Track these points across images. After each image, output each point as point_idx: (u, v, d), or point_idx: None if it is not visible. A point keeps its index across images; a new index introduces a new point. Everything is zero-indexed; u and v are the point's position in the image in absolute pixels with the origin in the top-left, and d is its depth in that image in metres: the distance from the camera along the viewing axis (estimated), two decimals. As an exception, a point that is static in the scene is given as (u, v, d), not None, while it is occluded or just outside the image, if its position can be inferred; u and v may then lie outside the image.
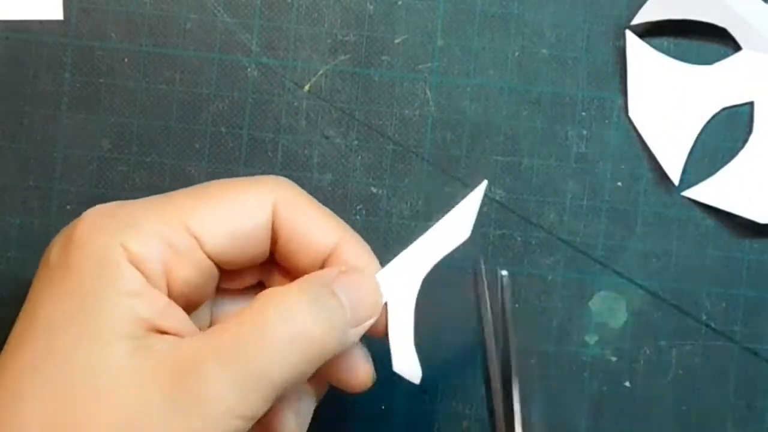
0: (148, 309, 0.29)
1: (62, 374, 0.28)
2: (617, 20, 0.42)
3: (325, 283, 0.31)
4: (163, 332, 0.29)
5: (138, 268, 0.29)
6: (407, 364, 0.33)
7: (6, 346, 0.30)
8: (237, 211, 0.31)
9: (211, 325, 0.34)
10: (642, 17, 0.42)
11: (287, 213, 0.32)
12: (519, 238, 0.42)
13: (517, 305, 0.42)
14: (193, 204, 0.31)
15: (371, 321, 0.32)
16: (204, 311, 0.34)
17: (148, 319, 0.29)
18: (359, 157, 0.42)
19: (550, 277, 0.42)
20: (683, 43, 0.42)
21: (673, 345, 0.42)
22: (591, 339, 0.42)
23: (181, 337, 0.30)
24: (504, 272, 0.33)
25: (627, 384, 0.42)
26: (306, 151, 0.42)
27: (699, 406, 0.42)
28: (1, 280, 0.41)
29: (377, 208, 0.42)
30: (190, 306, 0.32)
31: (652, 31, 0.42)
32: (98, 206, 0.31)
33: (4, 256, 0.42)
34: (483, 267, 0.35)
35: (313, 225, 0.32)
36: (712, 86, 0.42)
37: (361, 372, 0.33)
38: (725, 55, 0.42)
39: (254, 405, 0.29)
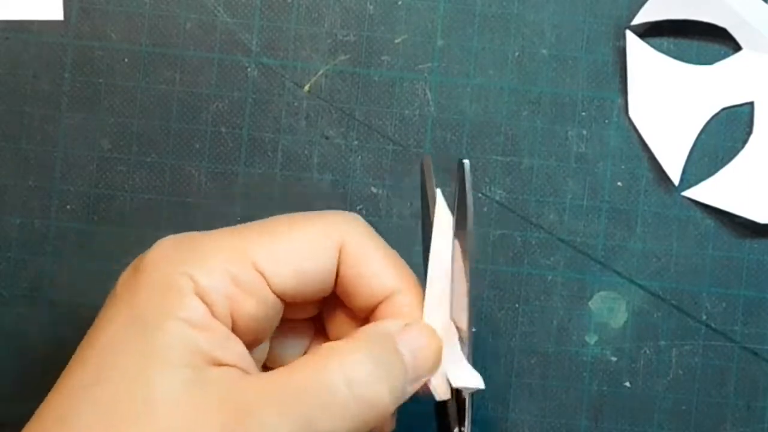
0: (209, 341, 0.29)
1: (113, 400, 0.28)
2: (617, 20, 0.42)
3: (389, 338, 0.31)
4: (222, 364, 0.29)
5: (203, 300, 0.29)
6: (465, 377, 0.32)
7: (65, 369, 0.29)
8: (304, 250, 0.31)
9: (268, 357, 0.34)
10: (642, 17, 0.42)
11: (353, 254, 0.32)
12: (519, 238, 0.42)
13: (517, 305, 0.42)
14: (260, 240, 0.31)
15: (429, 376, 0.32)
16: (265, 345, 0.34)
17: (208, 351, 0.29)
18: (359, 157, 0.42)
19: (550, 277, 0.42)
20: (683, 43, 0.42)
21: (673, 345, 0.42)
22: (591, 339, 0.42)
23: (240, 369, 0.29)
24: (466, 161, 0.32)
25: (627, 384, 0.42)
26: (306, 151, 0.42)
27: (699, 406, 0.42)
28: (1, 280, 0.41)
29: (377, 208, 0.42)
30: (255, 341, 0.32)
31: (652, 31, 0.42)
32: (169, 237, 0.31)
33: (4, 256, 0.42)
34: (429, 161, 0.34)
35: (376, 269, 0.32)
36: (712, 86, 0.42)
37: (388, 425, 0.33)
38: (725, 55, 0.42)
39: None
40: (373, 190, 0.42)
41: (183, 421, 0.28)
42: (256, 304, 0.30)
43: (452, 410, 0.33)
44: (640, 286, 0.42)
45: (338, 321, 0.34)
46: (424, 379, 0.32)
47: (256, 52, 0.42)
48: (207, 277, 0.30)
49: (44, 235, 0.41)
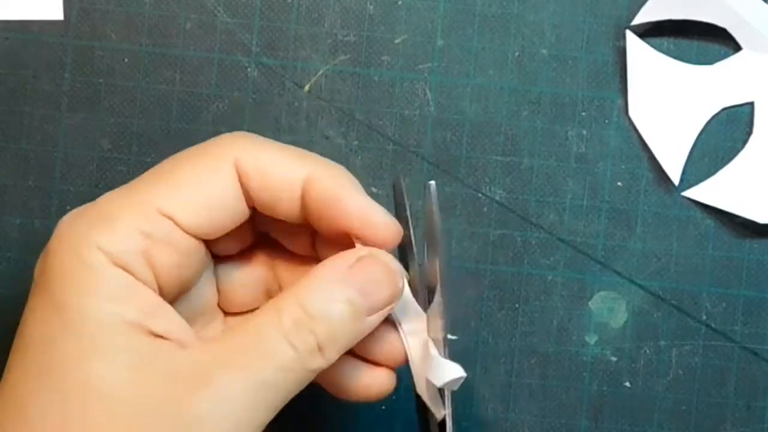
0: (138, 312, 0.29)
1: (61, 395, 0.28)
2: (617, 20, 0.42)
3: (333, 280, 0.31)
4: (156, 335, 0.29)
5: (123, 268, 0.29)
6: (445, 373, 0.32)
7: (8, 361, 0.29)
8: (202, 181, 0.31)
9: (220, 293, 0.34)
10: (642, 17, 0.42)
11: (250, 169, 0.31)
12: (519, 238, 0.42)
13: (517, 305, 0.42)
14: (158, 185, 0.30)
15: (391, 306, 0.32)
16: (208, 286, 0.33)
17: (137, 322, 0.29)
18: (359, 157, 0.42)
19: (550, 277, 0.42)
20: (683, 43, 0.42)
21: (673, 345, 0.42)
22: (591, 339, 0.42)
23: (176, 341, 0.29)
24: (432, 183, 0.33)
25: (627, 384, 0.42)
26: (306, 151, 0.42)
27: (699, 406, 0.42)
28: (1, 280, 0.41)
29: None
30: (185, 285, 0.31)
31: (652, 31, 0.42)
32: (70, 212, 0.31)
33: (4, 256, 0.42)
34: (403, 183, 0.34)
35: (275, 171, 0.31)
36: (712, 86, 0.42)
37: (394, 348, 0.33)
38: (725, 55, 0.42)
39: (263, 416, 0.29)
40: (373, 190, 0.42)
41: (129, 413, 0.28)
42: (174, 252, 0.30)
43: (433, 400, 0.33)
44: (640, 286, 0.42)
45: (293, 241, 0.34)
46: (384, 311, 0.31)
47: (256, 52, 0.42)
48: (117, 242, 0.29)
49: (44, 235, 0.41)
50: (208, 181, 0.31)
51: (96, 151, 0.42)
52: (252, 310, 0.34)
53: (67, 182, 0.42)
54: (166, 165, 0.31)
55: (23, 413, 0.28)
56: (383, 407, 0.41)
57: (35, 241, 0.41)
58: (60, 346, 0.28)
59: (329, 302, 0.30)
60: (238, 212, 0.32)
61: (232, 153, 0.31)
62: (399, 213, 0.34)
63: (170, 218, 0.30)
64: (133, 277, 0.29)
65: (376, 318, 0.31)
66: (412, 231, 0.33)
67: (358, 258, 0.31)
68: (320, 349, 0.30)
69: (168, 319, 0.30)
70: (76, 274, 0.29)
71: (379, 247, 0.32)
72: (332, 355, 0.30)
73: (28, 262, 0.41)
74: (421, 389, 0.33)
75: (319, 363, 0.30)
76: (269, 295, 0.34)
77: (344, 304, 0.30)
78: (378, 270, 0.31)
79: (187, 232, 0.30)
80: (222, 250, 0.33)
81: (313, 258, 0.34)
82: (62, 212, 0.42)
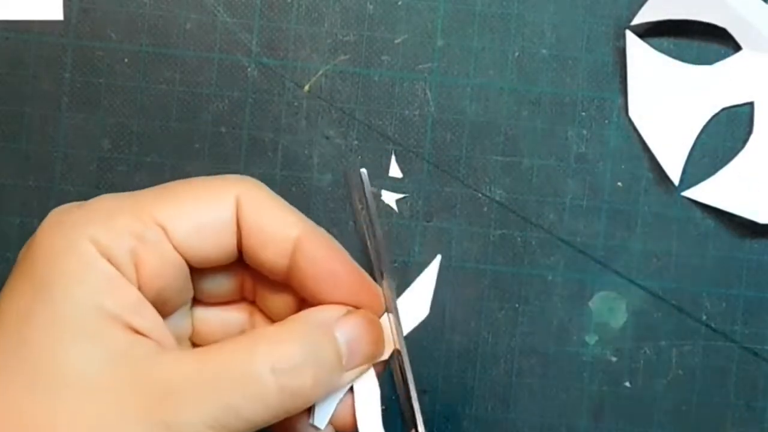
0: (120, 305, 0.29)
1: (32, 374, 0.28)
2: (617, 20, 0.42)
3: (325, 326, 0.31)
4: (135, 331, 0.29)
5: (110, 261, 0.29)
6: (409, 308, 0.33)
7: None
8: (201, 204, 0.31)
9: (194, 330, 0.34)
10: (642, 17, 0.42)
11: (249, 208, 0.31)
12: (519, 238, 0.42)
13: (517, 305, 0.42)
14: (160, 197, 0.31)
15: (370, 364, 0.32)
16: (184, 320, 0.33)
17: (119, 315, 0.29)
18: (359, 157, 0.42)
19: (550, 277, 0.42)
20: (683, 43, 0.42)
21: (673, 345, 0.42)
22: (591, 339, 0.42)
23: (155, 341, 0.29)
24: (363, 170, 0.34)
25: (627, 384, 0.42)
26: (306, 151, 0.42)
27: (699, 406, 0.42)
28: (1, 281, 0.41)
29: (377, 208, 0.42)
30: (165, 308, 0.31)
31: (652, 31, 0.42)
32: (61, 206, 0.31)
33: (4, 256, 0.42)
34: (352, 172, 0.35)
35: (273, 219, 0.32)
36: (712, 86, 0.42)
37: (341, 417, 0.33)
38: (725, 55, 0.42)
39: None
40: (373, 190, 0.42)
41: (99, 404, 0.27)
42: (159, 260, 0.30)
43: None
44: (640, 286, 0.42)
45: (276, 305, 0.34)
46: (363, 368, 0.32)
47: (256, 52, 0.42)
48: (109, 236, 0.29)
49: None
50: (207, 203, 0.31)
51: (96, 151, 0.42)
52: None
53: (67, 182, 0.42)
54: (172, 183, 0.32)
55: None
56: (383, 407, 0.41)
57: (35, 241, 0.41)
58: (36, 324, 0.28)
59: (313, 350, 0.30)
60: (227, 246, 0.32)
61: (236, 188, 0.32)
62: (353, 206, 0.34)
63: (163, 227, 0.30)
64: (119, 272, 0.29)
65: (353, 375, 0.32)
66: (374, 221, 0.34)
67: (346, 312, 0.31)
68: (294, 392, 0.29)
69: (149, 318, 0.29)
70: (63, 259, 0.29)
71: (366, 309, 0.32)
72: (301, 401, 0.30)
73: (28, 262, 0.41)
74: None
75: (291, 403, 0.30)
76: None
77: (330, 354, 0.30)
78: (365, 326, 0.32)
79: (176, 248, 0.31)
80: (204, 294, 0.33)
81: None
82: (62, 212, 0.42)
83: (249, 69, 0.42)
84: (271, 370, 0.29)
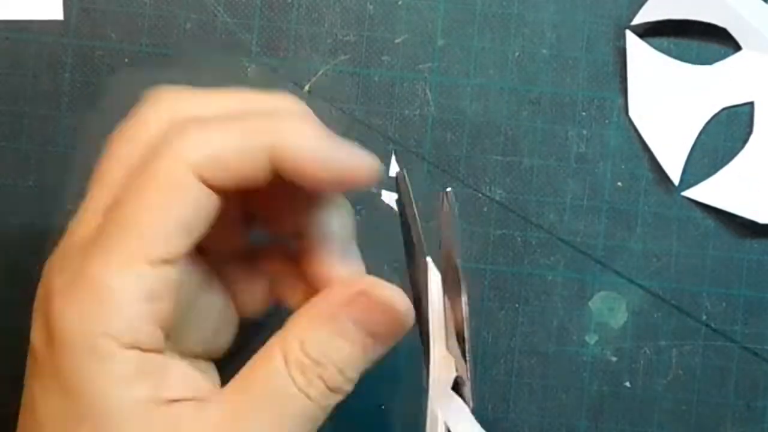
0: (148, 388, 0.28)
1: None
2: (617, 20, 0.42)
3: (335, 316, 0.30)
4: (173, 401, 0.29)
5: (132, 347, 0.28)
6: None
7: None
8: (170, 207, 0.29)
9: (238, 300, 0.34)
10: (642, 17, 0.42)
11: (208, 165, 0.29)
12: (519, 238, 0.42)
13: (517, 305, 0.42)
14: (133, 235, 0.29)
15: (391, 344, 0.31)
16: (216, 294, 0.33)
17: (155, 397, 0.28)
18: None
19: (550, 277, 0.42)
20: (683, 43, 0.42)
21: (673, 345, 0.42)
22: (591, 339, 0.42)
23: (193, 399, 0.29)
24: (449, 189, 0.33)
25: (627, 384, 0.42)
26: (306, 151, 0.42)
27: (699, 406, 0.42)
28: (1, 281, 0.41)
29: (377, 208, 0.42)
30: (187, 314, 0.31)
31: (652, 31, 0.42)
32: (54, 267, 0.30)
33: (3, 256, 0.41)
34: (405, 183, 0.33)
35: (234, 153, 0.30)
36: (712, 86, 0.42)
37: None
38: (725, 55, 0.42)
39: None
40: (374, 190, 0.42)
41: None
42: (174, 295, 0.29)
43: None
44: (640, 286, 0.42)
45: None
46: (385, 348, 0.31)
47: (256, 52, 0.42)
48: (126, 326, 0.28)
49: (44, 236, 0.41)
50: (176, 204, 0.29)
51: (96, 151, 0.42)
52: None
53: (67, 182, 0.42)
54: (124, 209, 0.30)
55: None
56: (382, 406, 0.41)
57: (35, 241, 0.41)
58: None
59: (332, 347, 0.30)
60: (214, 218, 0.30)
61: (183, 156, 0.29)
62: (406, 212, 0.33)
63: (165, 262, 0.28)
64: (142, 350, 0.28)
65: (379, 354, 0.31)
66: (420, 228, 0.33)
67: (357, 292, 0.31)
68: (332, 390, 0.30)
69: (182, 381, 0.29)
70: (88, 364, 0.28)
71: (363, 185, 0.31)
72: (347, 388, 0.30)
73: (27, 262, 0.41)
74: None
75: (335, 399, 0.30)
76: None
77: (350, 345, 0.30)
78: (376, 306, 0.31)
79: (174, 264, 0.29)
80: (218, 253, 0.33)
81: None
82: (62, 212, 0.42)
83: (249, 69, 0.42)
84: (297, 385, 0.29)
